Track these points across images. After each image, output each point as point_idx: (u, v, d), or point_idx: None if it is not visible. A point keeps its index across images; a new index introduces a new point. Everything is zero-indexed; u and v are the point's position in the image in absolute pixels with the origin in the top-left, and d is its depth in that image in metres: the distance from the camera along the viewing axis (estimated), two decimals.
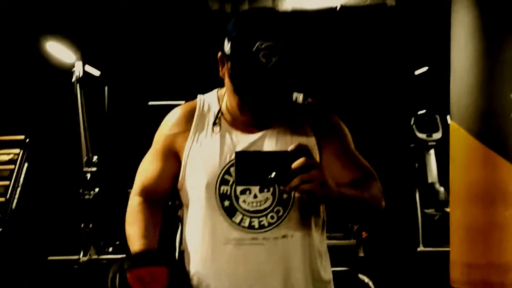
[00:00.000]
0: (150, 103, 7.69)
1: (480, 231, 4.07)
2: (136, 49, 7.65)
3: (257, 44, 1.47)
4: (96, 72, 7.26)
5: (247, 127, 1.64)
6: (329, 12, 6.29)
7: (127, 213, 1.76)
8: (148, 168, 1.75)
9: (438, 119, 6.54)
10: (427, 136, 6.52)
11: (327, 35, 7.12)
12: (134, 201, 1.76)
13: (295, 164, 1.40)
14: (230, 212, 1.60)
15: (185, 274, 1.62)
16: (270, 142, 1.62)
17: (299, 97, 1.72)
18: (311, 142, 1.64)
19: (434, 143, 6.51)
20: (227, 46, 1.53)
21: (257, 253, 1.59)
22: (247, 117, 1.62)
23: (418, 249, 6.25)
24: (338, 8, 6.24)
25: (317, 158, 1.62)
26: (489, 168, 3.98)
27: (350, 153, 1.70)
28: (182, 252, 1.74)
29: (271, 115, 1.63)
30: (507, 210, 4.01)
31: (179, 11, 6.51)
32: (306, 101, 1.72)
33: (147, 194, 1.75)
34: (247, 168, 1.42)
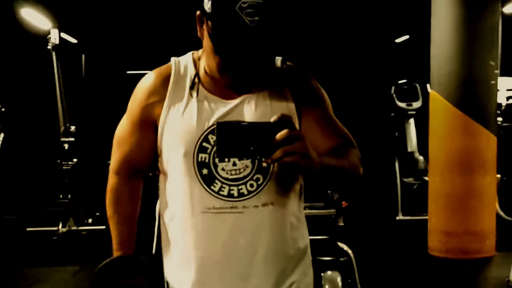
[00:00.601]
0: (128, 72, 7.60)
1: (458, 200, 4.11)
2: (113, 17, 7.53)
3: (239, 2, 1.43)
4: (72, 40, 7.15)
5: (226, 92, 1.60)
6: None
7: (107, 191, 1.72)
8: (127, 141, 1.68)
9: (418, 88, 6.56)
10: (407, 105, 6.54)
11: (309, 1, 7.05)
12: (115, 181, 1.72)
13: (278, 136, 1.36)
14: (208, 180, 1.57)
15: (162, 278, 1.64)
16: (249, 108, 1.58)
17: (277, 60, 1.68)
18: (290, 107, 1.60)
19: (414, 112, 6.53)
20: (207, 4, 1.47)
21: (237, 221, 1.57)
22: (227, 80, 1.57)
23: (397, 218, 6.31)
24: None
25: (297, 124, 1.59)
26: (468, 136, 4.00)
27: (330, 119, 1.67)
28: (159, 220, 1.73)
29: (252, 78, 1.59)
30: (485, 178, 4.04)
31: None
32: (283, 64, 1.68)
33: (128, 169, 1.71)
34: (228, 140, 1.37)
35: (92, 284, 1.55)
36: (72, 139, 6.37)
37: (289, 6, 1.51)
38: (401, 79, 6.80)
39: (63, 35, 6.62)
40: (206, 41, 1.54)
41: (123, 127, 1.70)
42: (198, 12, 1.53)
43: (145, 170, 1.73)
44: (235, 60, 1.50)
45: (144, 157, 1.68)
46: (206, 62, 1.60)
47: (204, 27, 1.52)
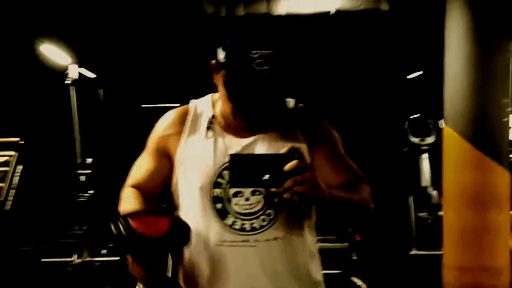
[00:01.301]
0: (144, 105, 7.70)
1: (473, 235, 4.10)
2: (131, 52, 7.66)
3: (251, 53, 1.50)
4: (91, 75, 7.27)
5: (240, 132, 1.67)
6: (324, 16, 6.32)
7: (120, 201, 1.78)
8: (141, 167, 1.78)
9: (431, 123, 6.57)
10: (421, 140, 6.55)
11: (321, 39, 7.14)
12: (127, 190, 1.80)
13: (287, 166, 1.43)
14: (222, 214, 1.62)
15: (184, 223, 1.62)
16: (262, 147, 1.65)
17: (290, 102, 1.75)
18: (302, 146, 1.66)
19: (427, 147, 6.54)
20: (221, 54, 1.57)
21: (249, 255, 1.61)
22: (240, 123, 1.65)
23: (411, 253, 6.27)
24: (332, 13, 6.27)
25: (308, 160, 1.64)
26: (481, 172, 4.01)
27: (340, 156, 1.73)
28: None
29: (264, 121, 1.67)
30: (499, 213, 4.04)
31: (174, 14, 6.53)
32: (297, 107, 1.75)
33: (139, 189, 1.78)
34: (241, 170, 1.45)
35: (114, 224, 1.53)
36: (89, 171, 6.44)
37: (300, 49, 1.58)
38: (414, 114, 6.82)
39: (82, 70, 6.74)
40: (221, 88, 1.62)
41: (140, 157, 1.81)
42: (213, 62, 1.62)
43: (154, 197, 1.78)
44: (247, 107, 1.58)
45: (154, 182, 1.77)
46: (222, 106, 1.67)
47: (219, 74, 1.60)
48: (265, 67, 1.50)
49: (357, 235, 4.73)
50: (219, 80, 1.63)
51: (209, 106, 1.74)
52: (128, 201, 1.74)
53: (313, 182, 1.45)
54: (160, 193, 1.78)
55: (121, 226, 1.51)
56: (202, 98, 1.79)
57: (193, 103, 1.77)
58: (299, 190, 1.44)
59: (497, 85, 4.01)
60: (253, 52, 1.51)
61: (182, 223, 1.59)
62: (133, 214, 1.55)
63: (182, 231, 1.58)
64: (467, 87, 4.05)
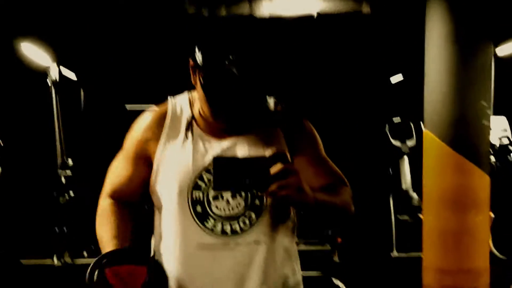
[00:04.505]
0: (127, 106, 7.65)
1: (452, 237, 4.12)
2: (113, 52, 7.62)
3: (229, 56, 1.48)
4: (72, 75, 7.22)
5: (219, 133, 1.65)
6: (306, 18, 6.32)
7: (97, 215, 1.76)
8: (118, 172, 1.75)
9: (412, 126, 6.61)
10: (401, 143, 6.59)
11: (303, 41, 7.15)
12: (104, 203, 1.76)
13: (273, 170, 1.42)
14: (202, 217, 1.61)
15: (162, 272, 1.61)
16: (242, 148, 1.64)
17: (271, 103, 1.73)
18: (282, 146, 1.65)
19: (408, 150, 6.57)
20: (199, 56, 1.54)
21: (229, 258, 1.60)
22: (220, 124, 1.63)
23: (392, 255, 6.30)
24: (314, 15, 6.28)
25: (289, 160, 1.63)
26: (461, 175, 4.03)
27: (322, 159, 1.72)
28: (154, 253, 1.75)
29: (244, 122, 1.65)
30: (478, 216, 4.06)
31: (156, 15, 6.50)
32: (277, 106, 1.73)
33: (118, 197, 1.76)
34: (224, 173, 1.42)
35: (89, 272, 1.53)
36: (69, 172, 6.39)
37: (281, 52, 1.56)
38: (395, 117, 6.86)
39: (63, 70, 6.69)
40: (199, 89, 1.59)
41: (117, 159, 1.76)
42: (191, 61, 1.59)
43: (133, 202, 1.77)
44: (226, 110, 1.55)
45: (133, 189, 1.73)
46: (201, 106, 1.65)
47: (197, 75, 1.58)
48: (244, 71, 1.48)
49: (338, 238, 4.74)
50: (197, 80, 1.60)
51: (187, 105, 1.71)
52: (105, 224, 1.70)
53: (298, 185, 1.44)
54: (139, 197, 1.75)
55: (97, 280, 1.48)
56: (180, 96, 1.75)
57: (171, 102, 1.73)
58: (283, 193, 1.42)
59: (478, 88, 4.03)
60: (232, 55, 1.48)
61: (159, 273, 1.57)
62: (109, 264, 1.52)
63: (159, 282, 1.56)
64: (447, 90, 4.07)
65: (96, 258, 1.56)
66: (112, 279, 1.49)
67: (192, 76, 1.62)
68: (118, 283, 1.48)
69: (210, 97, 1.55)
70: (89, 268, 1.52)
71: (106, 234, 1.69)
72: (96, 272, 1.51)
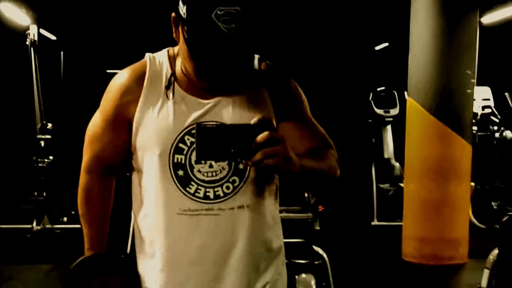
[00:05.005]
0: (108, 71, 7.56)
1: (433, 207, 4.14)
2: (94, 14, 7.48)
3: (216, 9, 1.41)
4: (52, 37, 7.09)
5: (202, 93, 1.58)
6: None
7: (79, 190, 1.72)
8: (99, 139, 1.66)
9: (396, 95, 6.61)
10: (385, 111, 6.59)
11: (290, 3, 7.06)
12: (86, 180, 1.70)
13: (259, 138, 1.37)
14: (184, 182, 1.56)
15: (136, 276, 1.63)
16: (226, 109, 1.57)
17: (255, 60, 1.66)
18: (268, 108, 1.60)
19: (391, 119, 6.59)
20: (182, 9, 1.45)
21: (212, 223, 1.57)
22: (203, 83, 1.56)
23: (372, 223, 6.36)
24: None
25: (275, 125, 1.59)
26: (443, 144, 4.03)
27: (308, 121, 1.67)
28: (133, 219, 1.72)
29: (229, 81, 1.58)
30: (459, 186, 4.08)
31: None
32: (265, 66, 1.67)
33: (100, 167, 1.68)
34: (208, 142, 1.37)
35: (65, 285, 1.56)
36: (49, 136, 6.31)
37: (267, 12, 1.50)
38: (380, 86, 6.86)
39: (42, 31, 6.56)
40: (182, 45, 1.52)
41: (96, 125, 1.67)
42: (173, 14, 1.52)
43: (117, 168, 1.71)
44: (211, 67, 1.48)
45: (117, 155, 1.66)
46: (183, 63, 1.58)
47: (180, 29, 1.51)
48: (232, 25, 1.40)
49: (320, 206, 4.75)
50: (180, 35, 1.52)
51: (167, 63, 1.62)
52: (89, 208, 1.72)
53: (285, 154, 1.40)
54: (121, 161, 1.69)
55: None
56: (159, 53, 1.66)
57: (150, 58, 1.64)
58: (269, 163, 1.38)
59: (462, 57, 4.01)
60: (219, 8, 1.41)
61: (134, 280, 1.57)
62: (83, 277, 1.56)
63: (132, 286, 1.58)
64: (431, 59, 4.05)
65: (72, 266, 1.59)
66: None
67: (174, 30, 1.54)
68: None
69: (194, 52, 1.48)
70: (65, 279, 1.55)
71: (87, 215, 1.72)
72: (71, 284, 1.56)
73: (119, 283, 1.55)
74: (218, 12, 1.40)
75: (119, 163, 1.69)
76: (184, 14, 1.45)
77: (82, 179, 1.72)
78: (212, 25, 1.40)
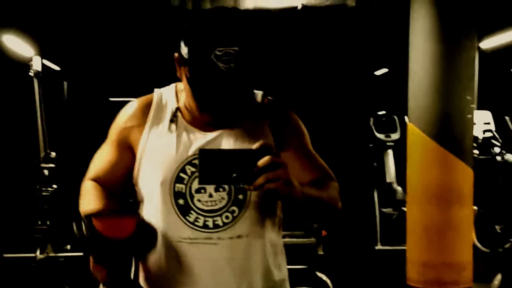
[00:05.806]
0: (111, 99, 7.61)
1: (436, 231, 4.14)
2: (97, 45, 7.56)
3: (215, 50, 1.45)
4: (55, 67, 7.16)
5: (205, 126, 1.63)
6: (291, 11, 6.31)
7: (80, 196, 1.74)
8: (102, 158, 1.72)
9: (397, 119, 6.63)
10: (386, 136, 6.61)
11: (288, 33, 7.14)
12: (87, 185, 1.74)
13: (260, 163, 1.38)
14: (184, 210, 1.59)
15: (150, 225, 1.60)
16: (228, 141, 1.61)
17: (258, 95, 1.71)
18: (269, 138, 1.63)
19: (392, 143, 6.60)
20: (184, 49, 1.51)
21: (211, 252, 1.58)
22: (206, 118, 1.61)
23: (376, 248, 6.33)
24: (299, 7, 6.27)
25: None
26: (445, 169, 4.04)
27: (309, 153, 1.70)
28: None
29: (230, 116, 1.62)
30: (462, 210, 4.08)
31: (140, 7, 6.46)
32: (266, 100, 1.71)
33: (100, 182, 1.74)
34: (210, 166, 1.39)
35: (77, 226, 1.52)
36: (52, 165, 6.34)
37: (267, 44, 1.54)
38: (380, 110, 6.88)
39: (46, 62, 6.62)
40: (185, 83, 1.58)
41: (101, 148, 1.74)
42: (176, 54, 1.57)
43: (115, 189, 1.73)
44: (212, 104, 1.53)
45: (115, 174, 1.70)
46: (186, 99, 1.63)
47: (182, 69, 1.56)
48: (231, 65, 1.45)
49: (323, 231, 4.75)
50: (182, 74, 1.58)
51: (173, 97, 1.69)
52: (89, 197, 1.69)
53: (286, 179, 1.41)
54: (122, 187, 1.72)
55: (83, 226, 1.47)
56: (166, 88, 1.73)
57: (157, 92, 1.71)
58: (271, 187, 1.39)
59: (461, 82, 4.04)
60: (218, 49, 1.45)
61: (148, 224, 1.56)
62: (96, 214, 1.51)
63: (148, 233, 1.55)
64: (431, 84, 4.08)
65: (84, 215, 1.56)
66: (100, 227, 1.48)
67: (177, 69, 1.60)
68: (106, 230, 1.47)
69: (196, 91, 1.53)
70: (77, 222, 1.51)
71: (90, 205, 1.67)
72: (84, 224, 1.50)
73: (133, 225, 1.50)
74: (218, 53, 1.45)
75: (118, 186, 1.72)
76: (185, 54, 1.51)
77: (83, 186, 1.76)
78: (212, 66, 1.45)
